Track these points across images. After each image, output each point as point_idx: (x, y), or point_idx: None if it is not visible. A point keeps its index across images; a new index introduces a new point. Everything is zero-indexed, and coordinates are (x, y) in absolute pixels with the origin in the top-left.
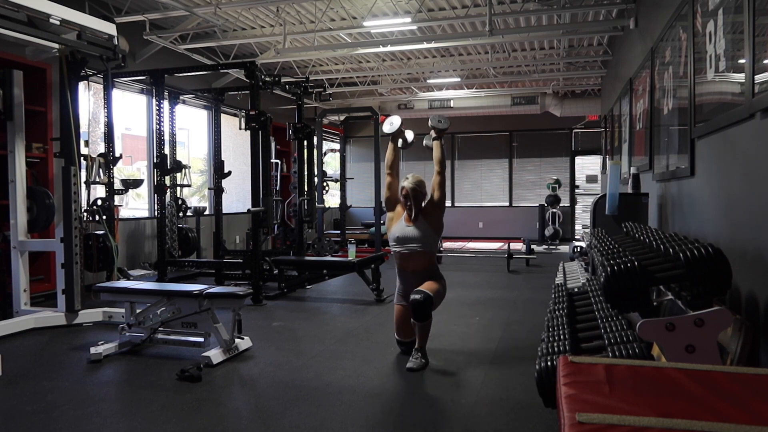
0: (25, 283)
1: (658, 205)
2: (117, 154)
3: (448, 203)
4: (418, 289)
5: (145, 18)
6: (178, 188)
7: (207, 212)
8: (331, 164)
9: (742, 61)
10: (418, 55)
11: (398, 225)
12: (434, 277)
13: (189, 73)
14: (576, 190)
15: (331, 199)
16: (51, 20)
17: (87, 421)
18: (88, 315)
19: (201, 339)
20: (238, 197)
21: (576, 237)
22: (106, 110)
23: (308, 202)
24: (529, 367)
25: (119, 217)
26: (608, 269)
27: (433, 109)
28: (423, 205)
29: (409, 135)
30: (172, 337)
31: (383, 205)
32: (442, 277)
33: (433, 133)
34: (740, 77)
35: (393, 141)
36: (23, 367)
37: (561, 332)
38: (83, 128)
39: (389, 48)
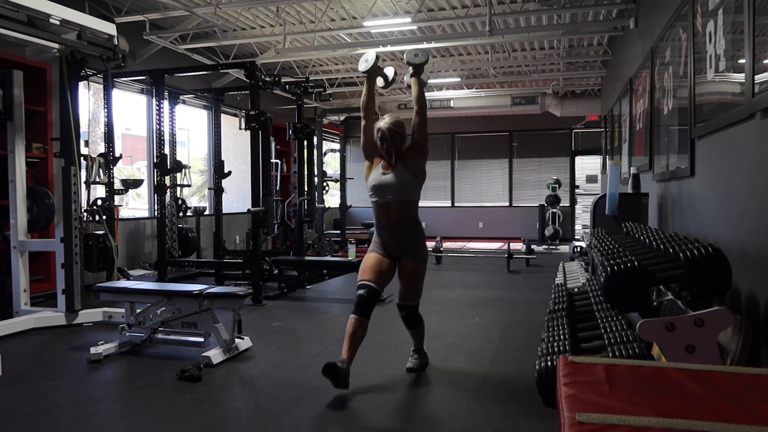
0: (25, 283)
1: (658, 205)
2: (117, 154)
3: (447, 203)
4: (402, 303)
5: (145, 18)
6: (178, 188)
7: (207, 212)
8: (331, 164)
9: (742, 61)
10: None
11: (375, 173)
12: (416, 242)
13: (189, 73)
14: (576, 190)
15: (331, 199)
16: (51, 20)
17: (87, 421)
18: (88, 315)
19: (201, 339)
20: (238, 197)
21: (576, 237)
22: (106, 110)
23: (308, 202)
24: (529, 367)
25: (119, 217)
26: (608, 269)
27: (433, 109)
28: (403, 149)
29: (389, 71)
30: (172, 337)
31: (363, 154)
32: (424, 239)
33: (410, 69)
34: (740, 77)
35: (369, 80)
36: (23, 367)
37: (561, 332)
38: (83, 128)
39: (389, 48)
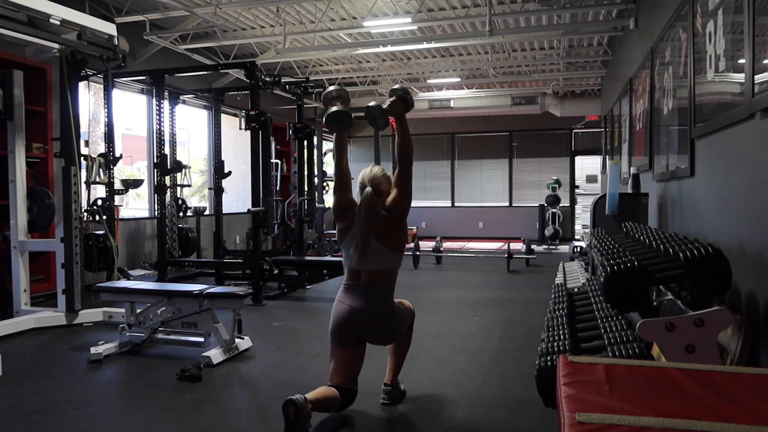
0: (26, 283)
1: (658, 205)
2: (117, 154)
3: (447, 203)
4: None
5: (145, 18)
6: (178, 188)
7: (207, 212)
8: (331, 164)
9: (742, 61)
10: (418, 55)
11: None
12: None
13: (189, 73)
14: (576, 190)
15: (331, 199)
16: (51, 20)
17: (87, 421)
18: (88, 315)
19: (201, 339)
20: (238, 197)
21: (576, 237)
22: (106, 110)
23: (308, 202)
24: (529, 367)
25: (119, 217)
26: (608, 269)
27: (433, 109)
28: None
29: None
30: (172, 337)
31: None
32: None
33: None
34: (740, 77)
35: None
36: (23, 367)
37: (561, 332)
38: (83, 128)
39: (389, 48)
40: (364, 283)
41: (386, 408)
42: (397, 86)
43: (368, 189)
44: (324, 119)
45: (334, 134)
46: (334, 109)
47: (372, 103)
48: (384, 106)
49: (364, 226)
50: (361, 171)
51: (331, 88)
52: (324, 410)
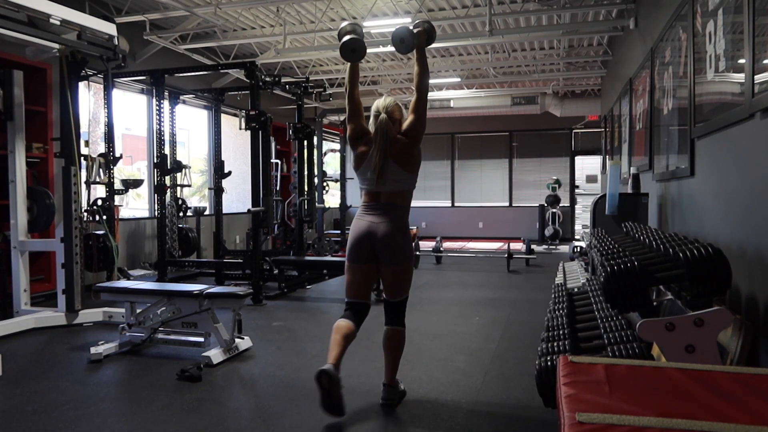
0: (26, 283)
1: (658, 205)
2: (117, 154)
3: (447, 203)
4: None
5: (145, 18)
6: (178, 188)
7: (207, 212)
8: (331, 164)
9: (742, 61)
10: None
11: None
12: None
13: (189, 73)
14: (576, 190)
15: (331, 199)
16: (51, 20)
17: (87, 421)
18: (89, 315)
19: (201, 339)
20: (238, 197)
21: (576, 237)
22: (106, 110)
23: (308, 202)
24: (529, 367)
25: (119, 217)
26: (608, 269)
27: (432, 109)
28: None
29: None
30: (172, 337)
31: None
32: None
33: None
34: (740, 77)
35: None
36: (23, 367)
37: (561, 332)
38: (83, 128)
39: (389, 48)
40: (384, 203)
41: (386, 408)
42: (422, 20)
43: (383, 116)
44: (340, 49)
45: (348, 64)
46: (348, 37)
47: (401, 26)
48: (414, 31)
49: (381, 149)
50: (375, 101)
51: (345, 23)
52: (348, 343)
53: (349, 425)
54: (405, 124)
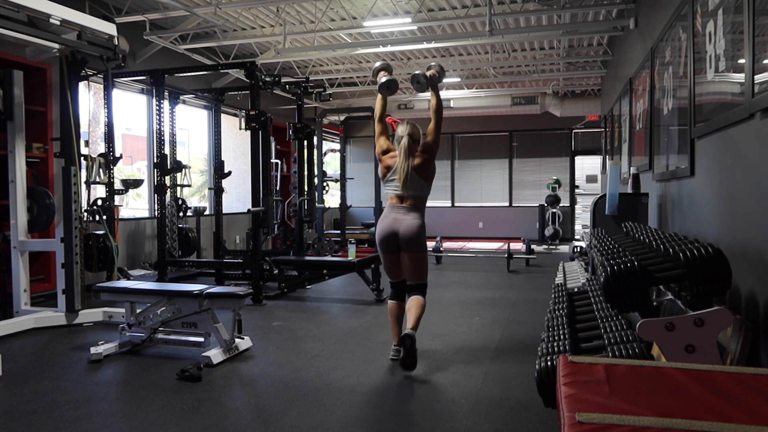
0: (26, 283)
1: (658, 205)
2: (117, 154)
3: (447, 203)
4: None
5: (145, 18)
6: (178, 188)
7: (207, 212)
8: (331, 164)
9: (742, 61)
10: (418, 55)
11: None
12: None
13: (189, 73)
14: (576, 190)
15: (331, 199)
16: (51, 20)
17: (87, 421)
18: (88, 315)
19: (201, 339)
20: (238, 197)
21: (576, 237)
22: (106, 110)
23: (308, 202)
24: (529, 367)
25: (119, 217)
26: (608, 269)
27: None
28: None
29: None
30: (172, 337)
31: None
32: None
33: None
34: (740, 77)
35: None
36: (23, 367)
37: (561, 332)
38: (83, 128)
39: (389, 48)
40: (407, 205)
41: (386, 407)
42: (433, 63)
43: (406, 137)
44: (378, 86)
45: (379, 96)
46: (385, 78)
47: (418, 71)
48: (428, 74)
49: (406, 163)
50: (398, 127)
51: (378, 63)
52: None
53: (349, 425)
54: (424, 143)
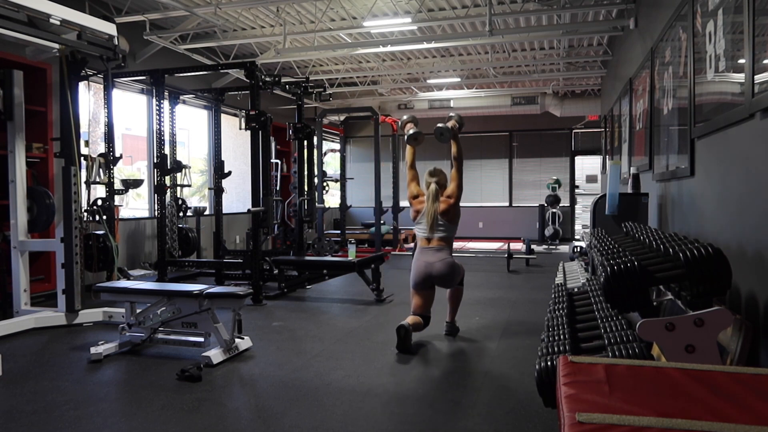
0: (25, 283)
1: (658, 205)
2: (117, 154)
3: None
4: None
5: (145, 18)
6: (178, 188)
7: (207, 212)
8: (331, 164)
9: (742, 61)
10: (418, 55)
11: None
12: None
13: (189, 73)
14: (576, 190)
15: (331, 199)
16: (51, 20)
17: (87, 421)
18: (88, 315)
19: (201, 339)
20: (238, 197)
21: (576, 237)
22: (106, 110)
23: (308, 202)
24: (529, 367)
25: (119, 217)
26: (608, 269)
27: (433, 109)
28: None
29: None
30: (172, 337)
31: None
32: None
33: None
34: (740, 77)
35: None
36: (23, 367)
37: (561, 332)
38: (83, 128)
39: (389, 48)
40: (434, 247)
41: (386, 407)
42: (452, 113)
43: (434, 185)
44: (407, 138)
45: (408, 146)
46: (413, 131)
47: (440, 125)
48: (449, 126)
49: (433, 207)
50: (426, 172)
51: (405, 116)
52: (415, 330)
53: (349, 425)
54: (449, 190)
